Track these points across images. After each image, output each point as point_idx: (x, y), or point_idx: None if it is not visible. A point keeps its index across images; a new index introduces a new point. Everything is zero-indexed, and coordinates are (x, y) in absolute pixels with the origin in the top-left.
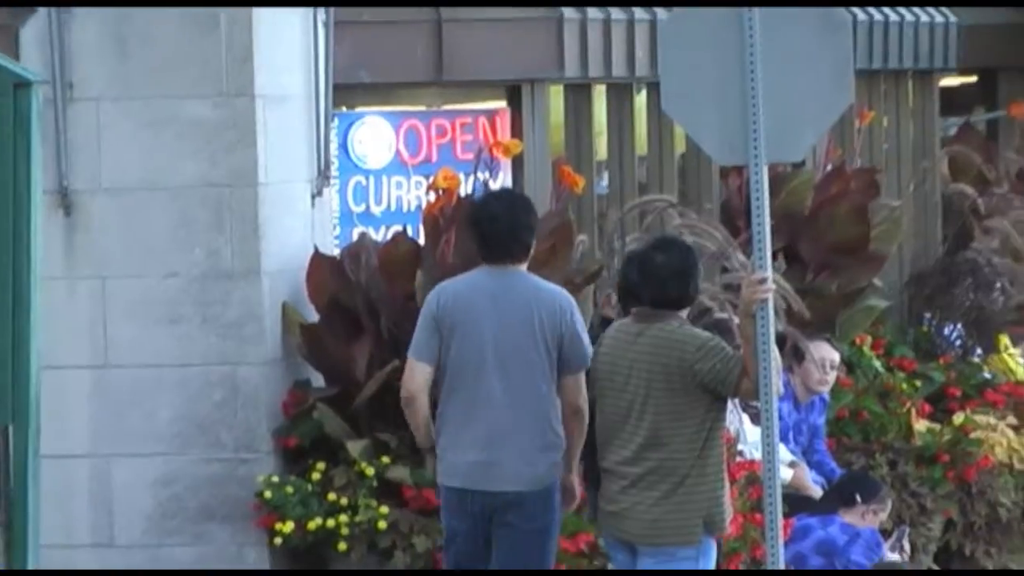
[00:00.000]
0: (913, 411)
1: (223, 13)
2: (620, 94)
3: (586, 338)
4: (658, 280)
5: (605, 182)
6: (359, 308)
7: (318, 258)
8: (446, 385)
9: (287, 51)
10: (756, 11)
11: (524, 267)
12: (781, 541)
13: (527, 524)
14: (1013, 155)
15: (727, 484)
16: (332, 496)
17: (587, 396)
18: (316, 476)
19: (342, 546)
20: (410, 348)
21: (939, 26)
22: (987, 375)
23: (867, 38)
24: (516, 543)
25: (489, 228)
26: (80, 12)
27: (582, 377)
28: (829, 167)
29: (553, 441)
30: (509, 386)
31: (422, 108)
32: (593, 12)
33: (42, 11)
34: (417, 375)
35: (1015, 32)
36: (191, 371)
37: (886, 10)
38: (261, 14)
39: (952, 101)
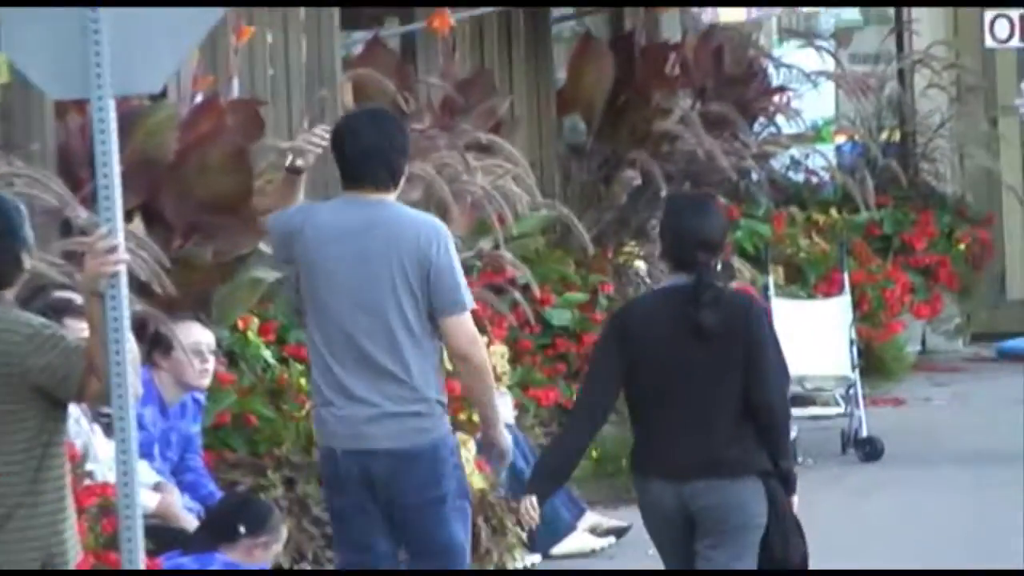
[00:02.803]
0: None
1: None
2: None
3: (459, 274)
4: None
5: None
6: None
7: None
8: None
9: None
10: None
11: (391, 196)
12: None
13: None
14: (437, 80)
15: (73, 515)
16: None
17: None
18: None
19: None
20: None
21: None
22: None
23: None
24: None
25: (351, 147)
26: None
27: (463, 319)
28: (199, 99)
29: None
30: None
31: None
32: None
33: None
34: None
35: None
36: None
37: None
38: None
39: (357, 12)
